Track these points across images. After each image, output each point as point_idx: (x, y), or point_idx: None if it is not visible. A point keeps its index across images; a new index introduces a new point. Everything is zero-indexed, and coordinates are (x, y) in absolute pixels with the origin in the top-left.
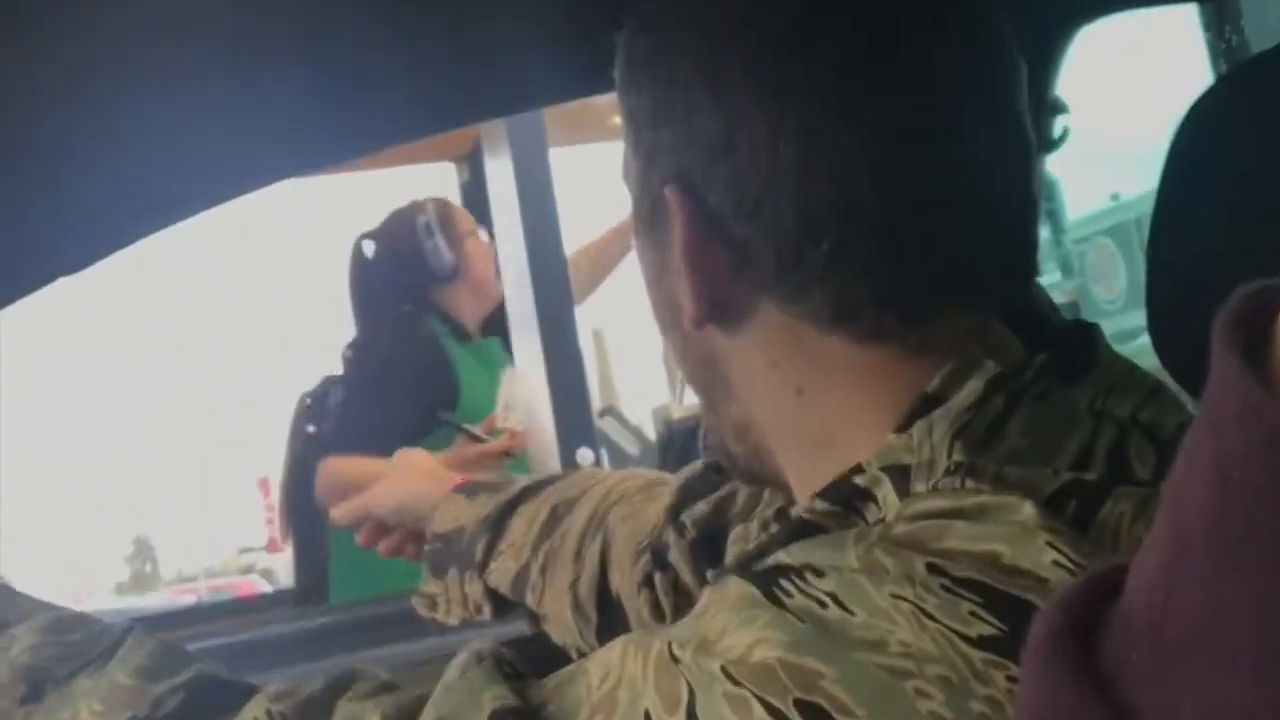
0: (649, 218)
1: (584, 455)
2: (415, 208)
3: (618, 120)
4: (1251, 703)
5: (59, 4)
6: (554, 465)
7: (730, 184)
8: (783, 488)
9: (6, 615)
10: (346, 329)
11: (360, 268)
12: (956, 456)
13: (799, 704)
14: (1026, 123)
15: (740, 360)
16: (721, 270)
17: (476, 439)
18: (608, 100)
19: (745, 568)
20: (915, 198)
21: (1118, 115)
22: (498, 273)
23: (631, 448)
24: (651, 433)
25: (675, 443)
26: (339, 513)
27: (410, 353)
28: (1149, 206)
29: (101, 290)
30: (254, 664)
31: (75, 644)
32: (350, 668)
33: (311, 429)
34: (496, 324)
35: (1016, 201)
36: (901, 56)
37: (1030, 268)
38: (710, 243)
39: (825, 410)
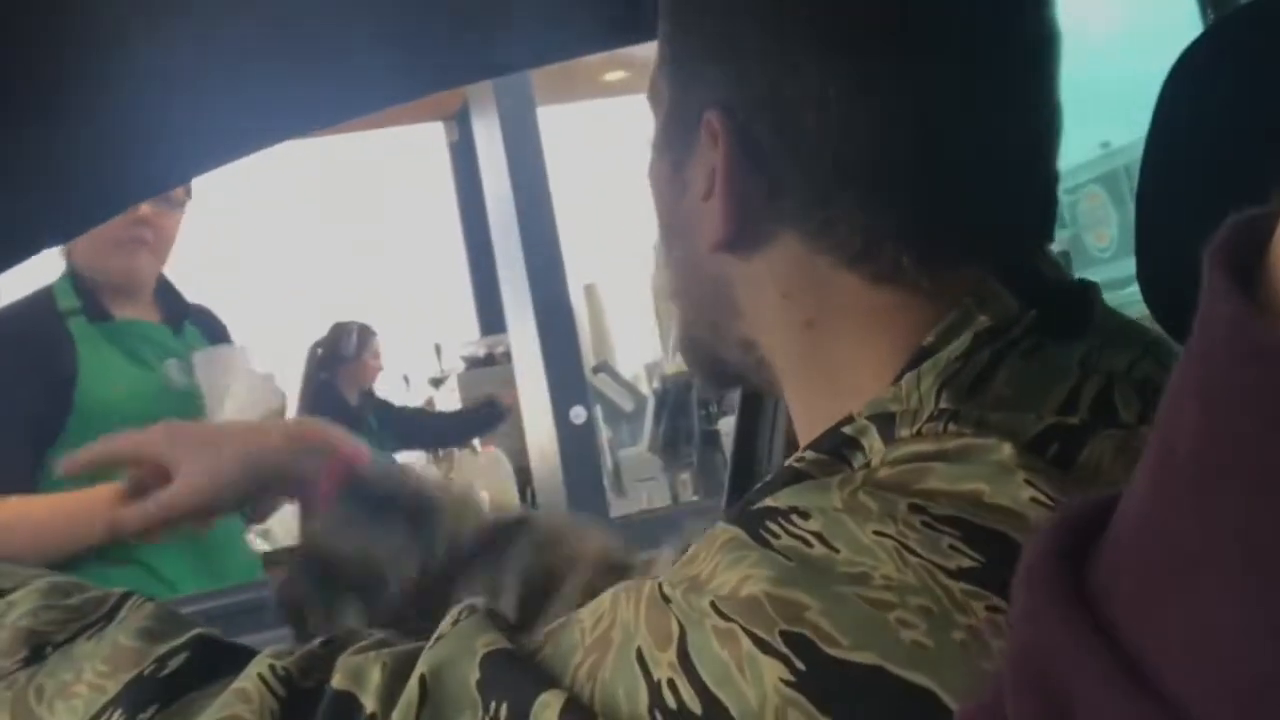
0: (675, 141)
1: (577, 414)
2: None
3: (606, 78)
4: (1239, 623)
5: None
6: (547, 424)
7: (774, 121)
8: (777, 394)
9: (3, 582)
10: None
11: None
12: (942, 404)
13: (785, 635)
14: (1058, 91)
15: (752, 287)
16: (753, 199)
17: None
18: (595, 59)
19: (734, 514)
20: (951, 153)
21: (1109, 63)
22: None
23: (626, 403)
24: (645, 388)
25: (669, 397)
26: None
27: None
28: (1138, 155)
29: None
30: None
31: (74, 607)
32: (346, 628)
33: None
34: None
35: (1043, 166)
36: (954, 17)
37: (1046, 231)
38: (747, 172)
39: (832, 347)
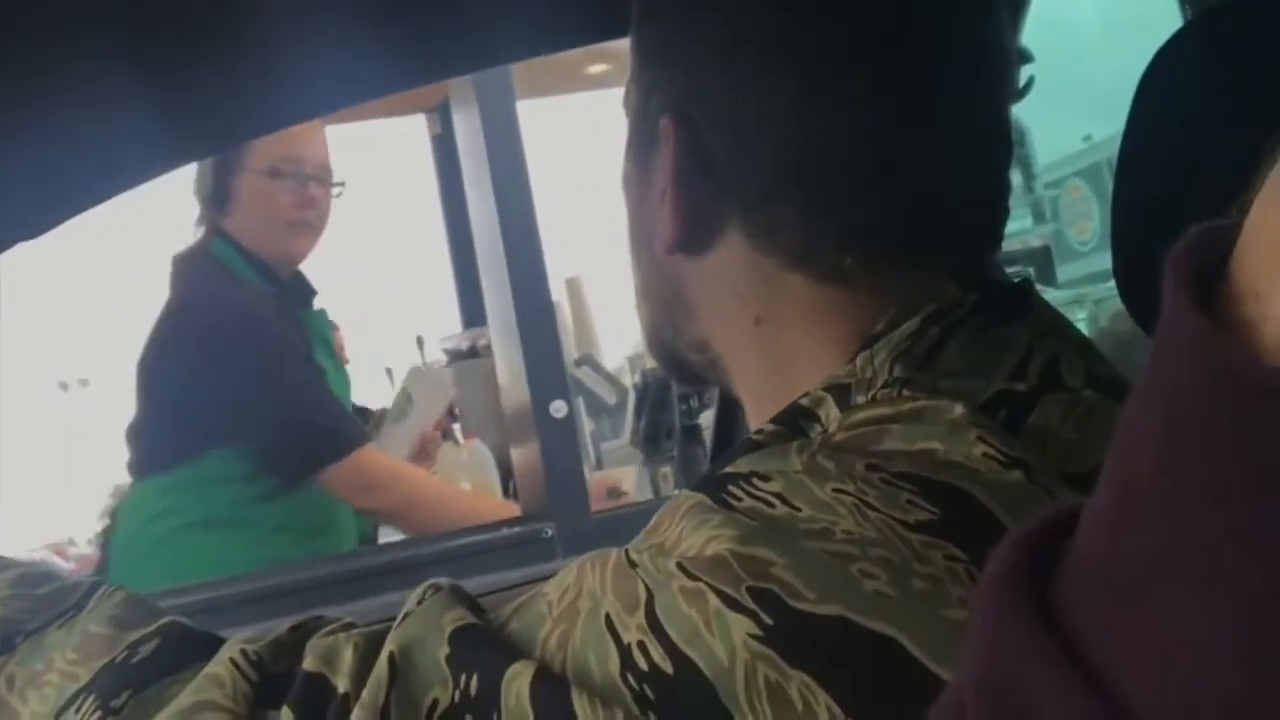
0: (640, 144)
1: (558, 408)
2: None
3: (588, 71)
4: (1204, 643)
5: None
6: (527, 418)
7: (724, 125)
8: (730, 392)
9: None
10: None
11: None
12: (896, 374)
13: (752, 591)
14: (1007, 104)
15: (705, 287)
16: (700, 201)
17: None
18: (577, 52)
19: (696, 482)
20: (899, 160)
21: (1091, 57)
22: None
23: (609, 396)
24: (629, 380)
25: (650, 390)
26: None
27: None
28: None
29: (80, 243)
30: None
31: (45, 597)
32: (313, 616)
33: None
34: None
35: (989, 176)
36: (902, 28)
37: (993, 238)
38: (695, 174)
39: (781, 341)
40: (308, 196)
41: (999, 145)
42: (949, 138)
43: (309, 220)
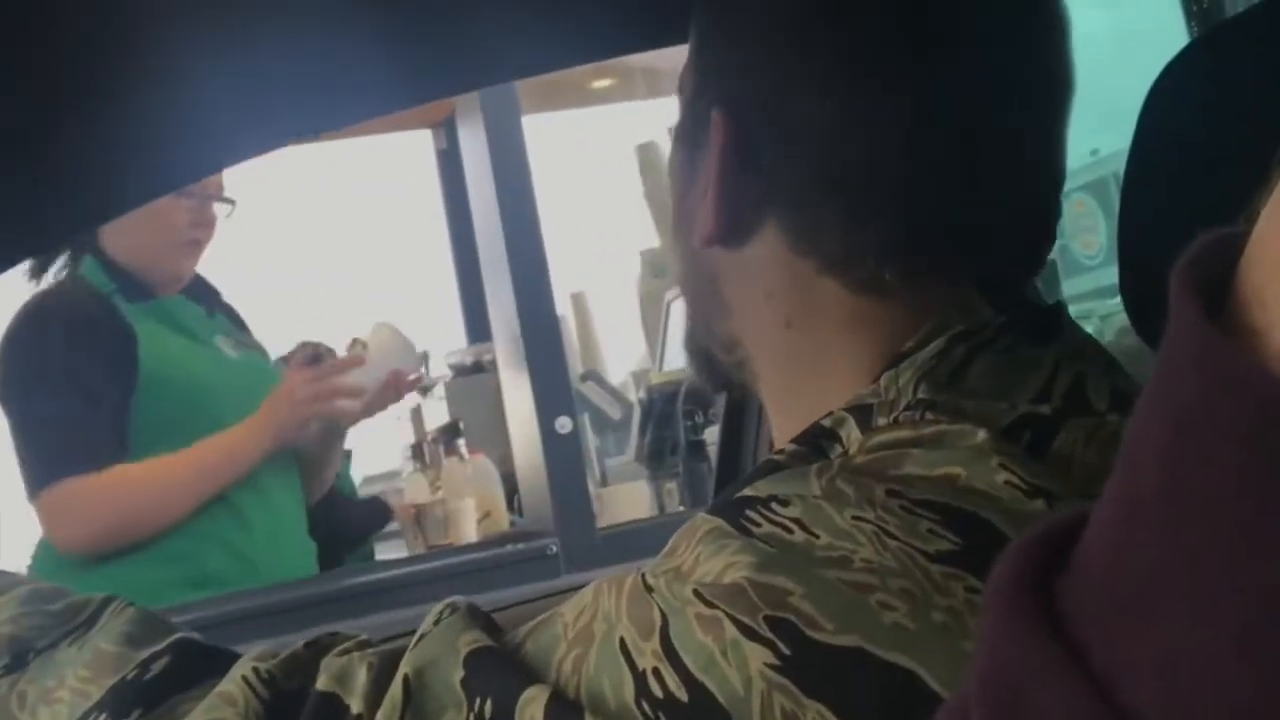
0: (690, 135)
1: (563, 424)
2: None
3: (592, 86)
4: (1208, 650)
5: None
6: (533, 434)
7: (772, 125)
8: (758, 397)
9: None
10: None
11: None
12: (919, 395)
13: (769, 620)
14: (1065, 119)
15: (739, 284)
16: (744, 197)
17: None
18: (583, 67)
19: (714, 505)
20: (941, 176)
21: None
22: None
23: (613, 411)
24: (634, 396)
25: (655, 406)
26: None
27: None
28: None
29: None
30: None
31: (56, 614)
32: (328, 632)
33: None
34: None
35: (1038, 203)
36: (963, 48)
37: (1034, 261)
38: (740, 170)
39: (809, 347)
40: (207, 217)
41: (1046, 168)
42: (993, 158)
43: (199, 240)
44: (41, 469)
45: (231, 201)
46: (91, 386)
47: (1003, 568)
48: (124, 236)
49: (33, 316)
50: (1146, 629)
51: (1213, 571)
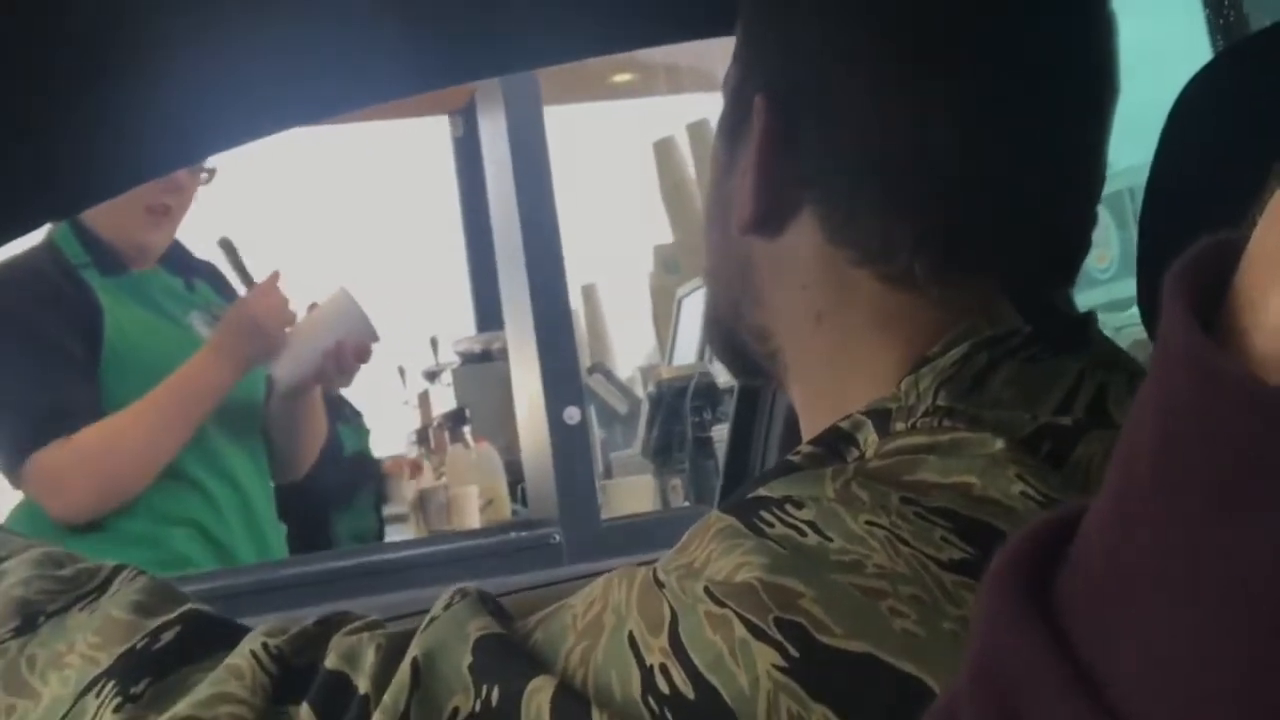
0: (733, 121)
1: (571, 414)
2: None
3: (614, 79)
4: (1190, 643)
5: None
6: (541, 423)
7: (813, 113)
8: (786, 390)
9: None
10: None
11: None
12: (939, 402)
13: (779, 622)
14: (1109, 123)
15: (772, 274)
16: (781, 183)
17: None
18: (604, 60)
19: (728, 503)
20: (982, 174)
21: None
22: None
23: (620, 405)
24: (641, 390)
25: (663, 402)
26: None
27: None
28: (1143, 177)
29: None
30: None
31: (67, 578)
32: (338, 609)
33: None
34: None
35: (1075, 208)
36: (1013, 50)
37: (1069, 268)
38: (779, 156)
39: (837, 343)
40: (173, 182)
41: (1087, 173)
42: (1034, 159)
43: (169, 205)
44: (24, 438)
45: (210, 170)
46: (61, 349)
47: (1001, 558)
48: (98, 207)
49: None
50: (1132, 622)
51: (1196, 566)
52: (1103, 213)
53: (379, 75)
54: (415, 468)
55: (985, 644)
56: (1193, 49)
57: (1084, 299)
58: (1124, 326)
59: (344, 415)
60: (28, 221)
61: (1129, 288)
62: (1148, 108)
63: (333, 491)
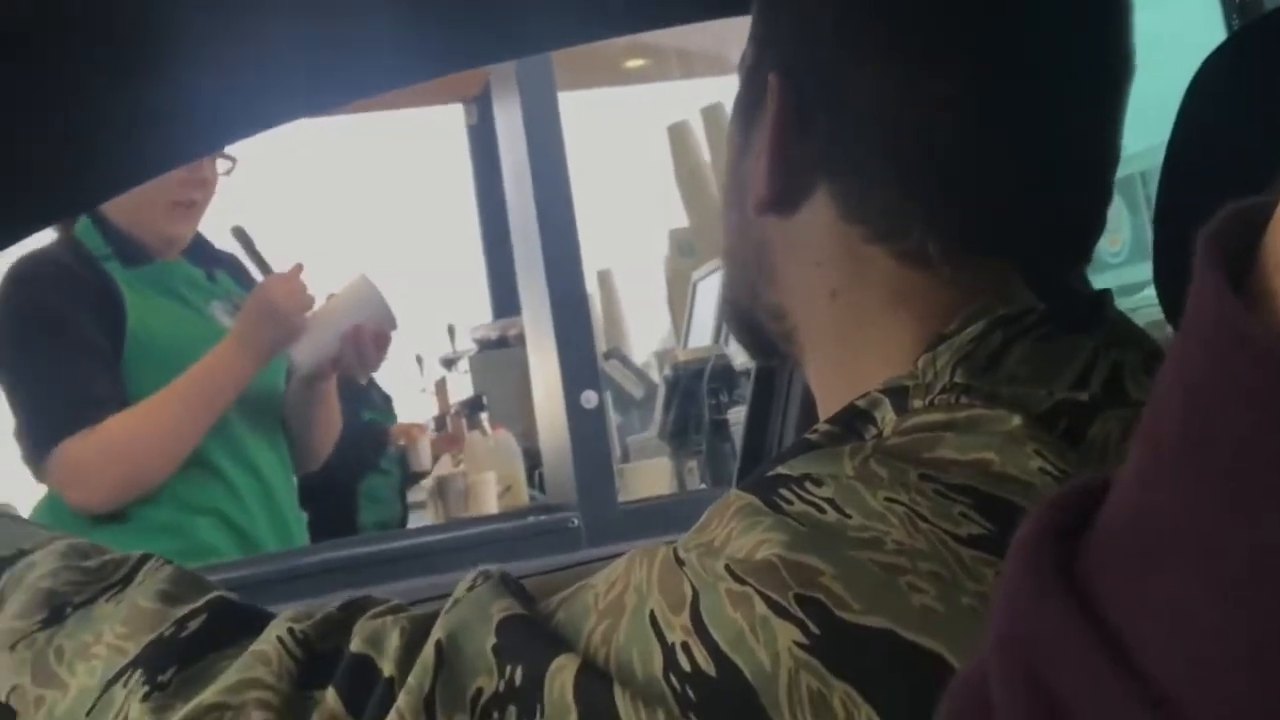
0: (748, 101)
1: (588, 398)
2: None
3: (627, 65)
4: (1214, 609)
5: None
6: (558, 408)
7: (828, 91)
8: (803, 368)
9: (22, 543)
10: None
11: None
12: (956, 379)
13: (799, 598)
14: (1123, 105)
15: (787, 252)
16: (796, 161)
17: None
18: (617, 45)
19: (748, 482)
20: (995, 153)
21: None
22: None
23: (635, 390)
24: (656, 375)
25: (680, 385)
26: None
27: None
28: (1154, 161)
29: None
30: None
31: (93, 569)
32: (361, 595)
33: None
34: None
35: (1088, 188)
36: (1029, 30)
37: (1083, 246)
38: (794, 134)
39: (852, 321)
40: (199, 176)
41: (1101, 154)
42: (1048, 138)
43: (195, 200)
44: (49, 429)
45: (231, 159)
46: (85, 340)
47: (1026, 527)
48: (119, 199)
49: (19, 279)
50: (1156, 586)
51: (1224, 535)
52: (1115, 197)
53: (394, 60)
54: (442, 438)
55: (1012, 612)
56: (1208, 34)
57: (1095, 283)
58: (1135, 309)
59: (372, 401)
60: (61, 209)
61: (1140, 272)
62: (1159, 93)
63: (354, 465)
